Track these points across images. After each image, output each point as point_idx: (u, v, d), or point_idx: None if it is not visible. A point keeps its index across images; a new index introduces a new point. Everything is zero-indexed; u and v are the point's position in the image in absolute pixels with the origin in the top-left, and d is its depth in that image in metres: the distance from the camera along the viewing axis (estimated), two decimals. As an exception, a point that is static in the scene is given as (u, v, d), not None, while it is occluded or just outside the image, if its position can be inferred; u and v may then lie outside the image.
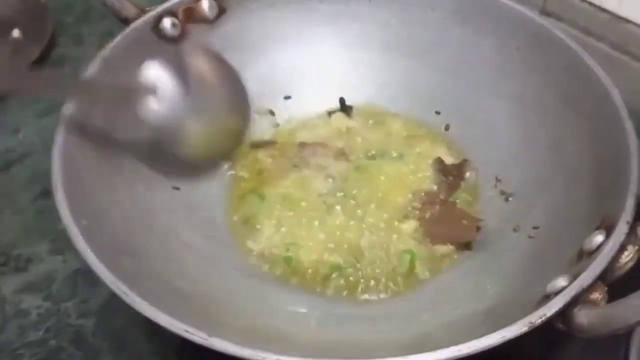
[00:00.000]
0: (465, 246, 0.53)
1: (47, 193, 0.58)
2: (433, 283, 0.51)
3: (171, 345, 0.51)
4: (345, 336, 0.45)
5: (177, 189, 0.54)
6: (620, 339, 0.47)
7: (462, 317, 0.44)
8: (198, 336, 0.35)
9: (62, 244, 0.58)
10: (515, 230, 0.51)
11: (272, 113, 0.62)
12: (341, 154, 0.60)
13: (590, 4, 0.65)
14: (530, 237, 0.49)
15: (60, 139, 0.45)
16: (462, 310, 0.45)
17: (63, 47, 0.76)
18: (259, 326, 0.44)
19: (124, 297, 0.37)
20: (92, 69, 0.48)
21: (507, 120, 0.57)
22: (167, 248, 0.48)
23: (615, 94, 0.47)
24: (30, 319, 0.53)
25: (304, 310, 0.48)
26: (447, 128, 0.61)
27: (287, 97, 0.63)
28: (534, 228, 0.50)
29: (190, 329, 0.35)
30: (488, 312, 0.44)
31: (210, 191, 0.56)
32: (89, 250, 0.38)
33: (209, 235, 0.53)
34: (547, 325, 0.36)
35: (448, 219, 0.55)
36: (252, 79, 0.58)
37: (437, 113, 0.62)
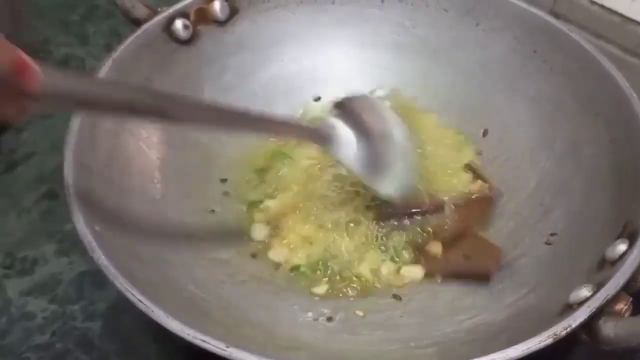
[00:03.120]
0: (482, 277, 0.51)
1: (52, 194, 0.58)
2: (449, 290, 0.50)
3: (178, 347, 0.51)
4: (361, 345, 0.44)
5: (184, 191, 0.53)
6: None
7: (480, 326, 0.44)
8: (216, 346, 0.34)
9: (68, 245, 0.57)
10: (531, 235, 0.51)
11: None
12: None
13: (601, 6, 0.65)
14: (547, 243, 0.49)
15: (72, 141, 0.44)
16: (481, 318, 0.45)
17: (68, 46, 0.75)
18: (276, 335, 0.44)
19: (140, 306, 0.36)
20: (103, 71, 0.48)
21: (523, 123, 0.57)
22: (179, 253, 0.47)
23: (634, 97, 0.47)
24: (36, 322, 0.53)
25: (320, 318, 0.48)
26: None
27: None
28: (552, 235, 0.49)
29: (208, 339, 0.35)
30: (507, 321, 0.43)
31: (223, 193, 0.56)
32: (103, 257, 0.37)
33: (221, 238, 0.52)
34: (571, 336, 0.36)
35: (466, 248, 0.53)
36: (263, 80, 0.58)
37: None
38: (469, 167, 0.58)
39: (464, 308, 0.47)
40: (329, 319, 0.48)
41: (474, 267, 0.51)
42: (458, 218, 0.53)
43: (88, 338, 0.52)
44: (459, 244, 0.53)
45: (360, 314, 0.48)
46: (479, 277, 0.50)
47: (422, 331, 0.45)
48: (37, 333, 0.52)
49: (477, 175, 0.57)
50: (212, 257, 0.50)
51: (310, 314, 0.48)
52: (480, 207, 0.55)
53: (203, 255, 0.49)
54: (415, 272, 0.51)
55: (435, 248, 0.52)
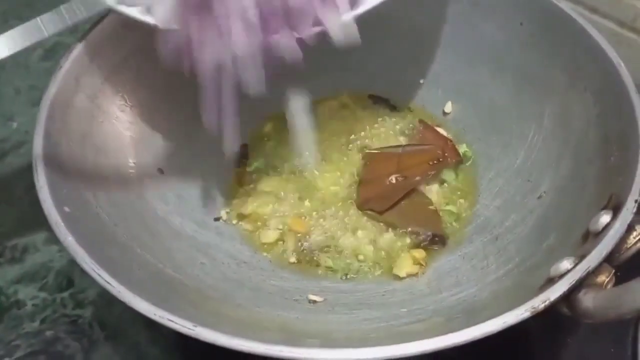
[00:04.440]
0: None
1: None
2: (433, 267, 0.50)
3: (168, 334, 0.50)
4: (343, 324, 0.44)
5: (162, 172, 0.53)
6: (627, 324, 0.46)
7: (463, 303, 0.43)
8: (183, 326, 0.34)
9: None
10: (518, 210, 0.50)
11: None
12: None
13: (596, -20, 0.63)
14: (533, 217, 0.48)
15: (42, 120, 0.43)
16: (465, 295, 0.44)
17: (58, 35, 0.74)
18: (256, 316, 0.43)
19: (107, 286, 0.35)
20: (77, 52, 0.47)
21: (511, 97, 0.55)
22: (157, 236, 0.47)
23: (622, 68, 0.45)
24: (26, 310, 0.53)
25: (300, 297, 0.47)
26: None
27: None
28: (539, 210, 0.48)
29: (175, 319, 0.34)
30: (491, 296, 0.42)
31: (202, 174, 0.55)
32: (69, 237, 0.37)
33: (202, 222, 0.52)
34: (552, 310, 0.35)
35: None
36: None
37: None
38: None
39: (447, 285, 0.46)
40: (311, 299, 0.47)
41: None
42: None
43: (78, 325, 0.52)
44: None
45: (343, 293, 0.48)
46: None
47: (404, 309, 0.44)
48: (27, 321, 0.52)
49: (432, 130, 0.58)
50: (192, 238, 0.50)
51: (291, 294, 0.48)
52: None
53: (182, 237, 0.49)
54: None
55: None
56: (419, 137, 0.58)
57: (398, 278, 0.49)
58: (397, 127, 0.60)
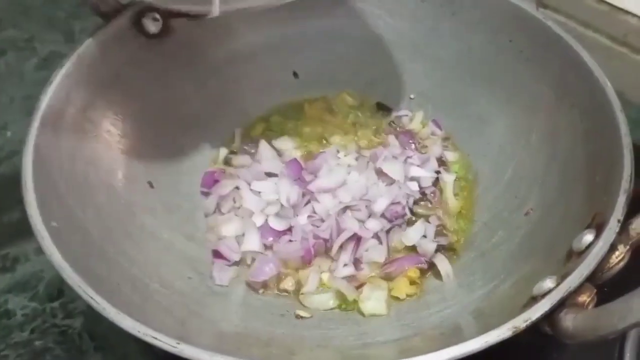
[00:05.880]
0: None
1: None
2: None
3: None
4: (329, 340, 0.44)
5: (151, 185, 0.53)
6: (614, 340, 0.46)
7: (447, 320, 0.43)
8: (166, 343, 0.34)
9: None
10: (505, 227, 0.50)
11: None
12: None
13: (588, -5, 0.64)
14: (520, 234, 0.48)
15: (32, 135, 0.43)
16: (449, 312, 0.44)
17: (54, 43, 0.75)
18: (240, 330, 0.43)
19: (91, 302, 0.36)
20: (68, 66, 0.47)
21: (499, 113, 0.56)
22: (145, 250, 0.47)
23: (609, 87, 0.45)
24: (16, 320, 0.53)
25: (287, 312, 0.47)
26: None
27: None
28: (525, 227, 0.48)
29: (158, 336, 0.34)
30: (475, 313, 0.43)
31: (192, 188, 0.56)
32: (56, 252, 0.37)
33: (190, 235, 0.52)
34: (534, 328, 0.35)
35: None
36: (236, 75, 0.58)
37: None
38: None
39: (434, 301, 0.46)
40: (298, 314, 0.47)
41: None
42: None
43: (68, 336, 0.52)
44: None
45: (328, 311, 0.48)
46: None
47: (388, 325, 0.44)
48: (17, 330, 0.52)
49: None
50: (179, 252, 0.50)
51: (278, 309, 0.48)
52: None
53: (170, 251, 0.49)
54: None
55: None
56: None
57: (398, 300, 0.49)
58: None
